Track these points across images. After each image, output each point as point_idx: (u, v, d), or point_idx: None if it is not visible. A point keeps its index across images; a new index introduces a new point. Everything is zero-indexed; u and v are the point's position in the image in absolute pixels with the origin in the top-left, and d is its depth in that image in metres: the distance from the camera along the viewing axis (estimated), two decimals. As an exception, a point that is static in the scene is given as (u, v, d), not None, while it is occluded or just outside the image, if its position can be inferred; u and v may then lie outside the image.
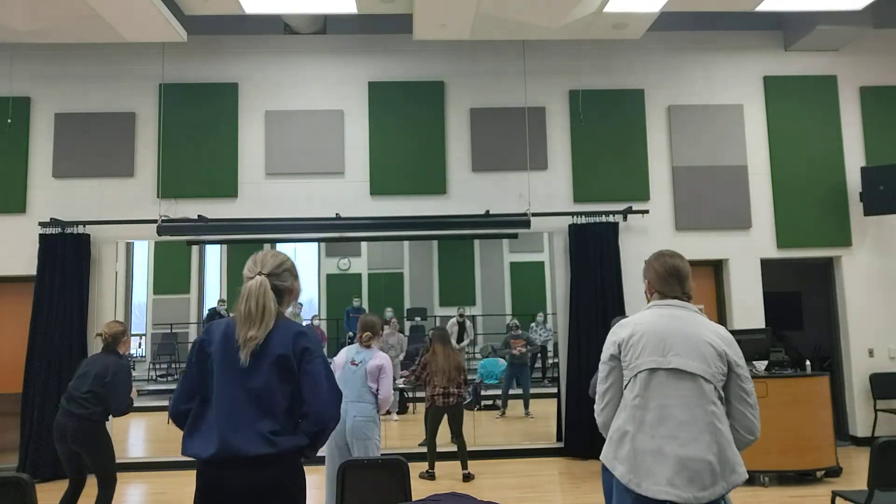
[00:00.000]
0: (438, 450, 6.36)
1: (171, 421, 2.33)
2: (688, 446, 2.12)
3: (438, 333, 6.43)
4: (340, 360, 4.52)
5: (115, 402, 4.40)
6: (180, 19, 6.44)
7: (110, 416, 4.47)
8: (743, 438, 2.25)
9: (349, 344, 4.79)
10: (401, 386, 6.58)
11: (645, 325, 2.26)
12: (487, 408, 8.20)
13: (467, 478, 6.18)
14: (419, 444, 6.76)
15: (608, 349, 2.32)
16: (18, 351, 7.01)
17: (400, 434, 7.86)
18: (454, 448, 6.36)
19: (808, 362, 6.51)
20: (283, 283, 2.36)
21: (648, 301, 2.42)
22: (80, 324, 6.92)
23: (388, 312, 8.26)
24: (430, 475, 6.23)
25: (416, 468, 5.69)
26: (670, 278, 2.35)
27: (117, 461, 4.53)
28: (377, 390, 4.42)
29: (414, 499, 3.17)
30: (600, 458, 2.25)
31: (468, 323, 8.23)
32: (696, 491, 2.09)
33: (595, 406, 2.33)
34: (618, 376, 2.26)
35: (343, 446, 4.41)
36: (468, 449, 6.36)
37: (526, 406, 7.93)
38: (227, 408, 2.21)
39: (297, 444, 2.24)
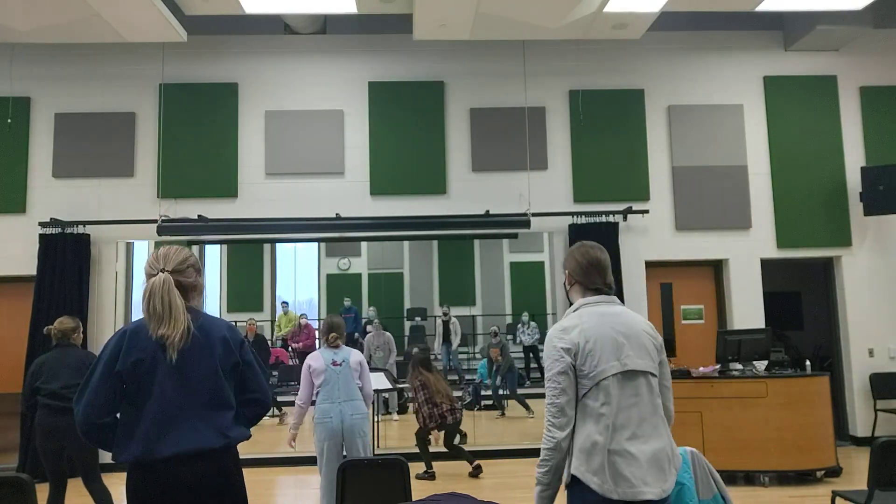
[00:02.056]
0: (437, 450, 6.37)
1: (85, 435, 2.19)
2: (650, 442, 2.16)
3: (420, 358, 6.45)
4: (319, 365, 4.46)
5: None
6: (180, 19, 6.44)
7: None
8: (668, 420, 2.30)
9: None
10: (401, 385, 6.57)
11: (591, 328, 2.22)
12: (487, 408, 8.20)
13: (477, 469, 6.17)
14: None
15: (559, 362, 2.18)
16: (18, 351, 7.00)
17: (400, 434, 7.86)
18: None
19: (808, 362, 6.50)
20: (187, 279, 2.30)
21: (567, 290, 2.42)
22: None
23: (371, 312, 8.21)
24: (429, 475, 6.23)
25: (415, 468, 5.69)
26: (591, 269, 2.34)
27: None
28: (360, 386, 4.56)
29: (414, 499, 3.16)
30: (571, 471, 2.12)
31: (453, 320, 8.20)
32: (662, 483, 2.14)
33: (553, 421, 2.15)
34: (574, 387, 2.18)
35: (339, 447, 4.41)
36: (468, 449, 6.37)
37: (524, 406, 7.93)
38: (174, 407, 2.18)
39: (245, 435, 2.30)
